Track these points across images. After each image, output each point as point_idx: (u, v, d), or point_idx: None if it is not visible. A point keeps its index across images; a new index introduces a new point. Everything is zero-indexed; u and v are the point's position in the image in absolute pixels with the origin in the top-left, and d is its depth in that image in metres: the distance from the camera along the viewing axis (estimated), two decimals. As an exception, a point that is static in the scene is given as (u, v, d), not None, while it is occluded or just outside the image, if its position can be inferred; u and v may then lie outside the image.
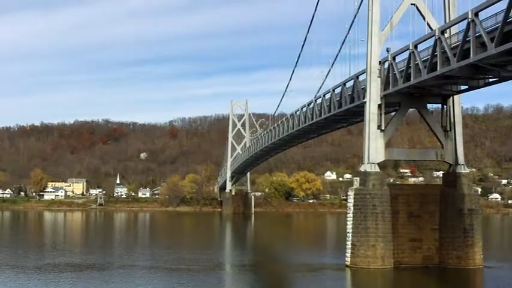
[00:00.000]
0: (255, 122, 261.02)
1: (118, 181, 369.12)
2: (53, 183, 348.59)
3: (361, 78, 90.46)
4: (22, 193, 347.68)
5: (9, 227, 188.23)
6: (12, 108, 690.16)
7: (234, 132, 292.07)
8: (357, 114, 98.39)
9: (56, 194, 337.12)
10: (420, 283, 76.85)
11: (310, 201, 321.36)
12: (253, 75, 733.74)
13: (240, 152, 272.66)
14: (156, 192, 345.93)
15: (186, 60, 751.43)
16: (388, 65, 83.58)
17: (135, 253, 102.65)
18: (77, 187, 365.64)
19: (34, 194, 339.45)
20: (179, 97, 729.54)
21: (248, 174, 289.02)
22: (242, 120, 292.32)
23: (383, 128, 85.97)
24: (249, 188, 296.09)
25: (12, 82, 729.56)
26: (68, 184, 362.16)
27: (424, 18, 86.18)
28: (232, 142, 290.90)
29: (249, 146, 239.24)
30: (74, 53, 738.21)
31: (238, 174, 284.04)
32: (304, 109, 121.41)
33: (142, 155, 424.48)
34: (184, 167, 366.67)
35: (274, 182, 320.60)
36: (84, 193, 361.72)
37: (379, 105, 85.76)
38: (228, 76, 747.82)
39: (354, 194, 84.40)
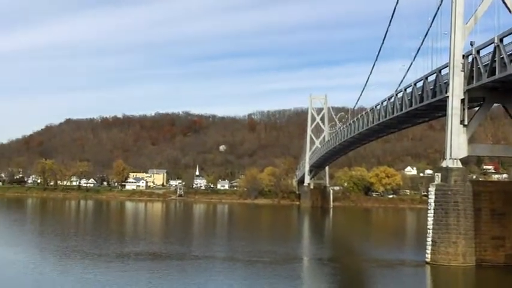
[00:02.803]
0: (334, 116, 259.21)
1: (197, 173, 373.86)
2: (134, 173, 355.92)
3: (443, 72, 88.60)
4: (105, 183, 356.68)
5: (92, 216, 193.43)
6: (96, 100, 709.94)
7: (313, 126, 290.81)
8: (439, 109, 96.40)
9: (137, 184, 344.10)
10: (503, 282, 74.70)
11: (390, 196, 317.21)
12: (333, 69, 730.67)
13: (319, 146, 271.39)
14: (234, 184, 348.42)
15: (265, 54, 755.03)
16: (472, 59, 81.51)
17: (214, 244, 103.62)
18: (157, 178, 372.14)
19: (116, 184, 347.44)
20: (258, 91, 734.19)
21: (327, 168, 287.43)
22: (321, 114, 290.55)
23: (466, 123, 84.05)
24: (327, 182, 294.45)
25: (96, 75, 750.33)
26: (149, 175, 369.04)
27: (510, 11, 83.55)
28: (311, 136, 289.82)
29: (328, 140, 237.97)
30: (156, 47, 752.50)
31: (316, 168, 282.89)
32: (385, 103, 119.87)
33: (222, 148, 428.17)
34: (262, 160, 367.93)
35: (353, 176, 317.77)
36: (164, 184, 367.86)
37: (462, 100, 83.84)
38: (308, 70, 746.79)
39: (435, 190, 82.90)
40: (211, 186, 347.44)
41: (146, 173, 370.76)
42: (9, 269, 68.82)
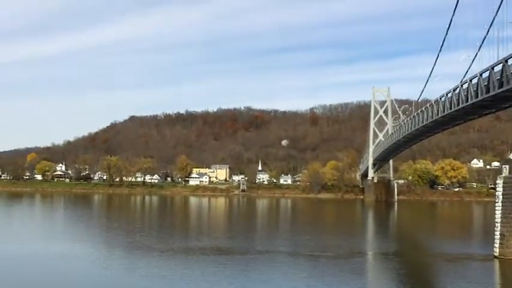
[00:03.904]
0: (397, 109, 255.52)
1: (260, 167, 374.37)
2: (198, 169, 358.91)
3: (510, 62, 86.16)
4: (169, 179, 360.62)
5: (157, 211, 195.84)
6: (159, 97, 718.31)
7: (376, 119, 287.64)
8: (506, 100, 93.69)
9: (201, 179, 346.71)
10: None
11: (456, 189, 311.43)
12: (396, 61, 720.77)
13: (382, 139, 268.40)
14: (297, 178, 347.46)
15: (327, 47, 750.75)
16: (541, 47, 79.14)
17: (277, 239, 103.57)
18: (220, 173, 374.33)
19: (180, 179, 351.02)
20: (320, 84, 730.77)
21: (391, 161, 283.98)
22: (384, 107, 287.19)
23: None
24: (391, 175, 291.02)
25: (159, 72, 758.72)
26: (212, 170, 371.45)
27: None
28: (374, 129, 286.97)
29: (392, 133, 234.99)
30: (218, 42, 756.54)
31: (380, 162, 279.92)
32: (450, 94, 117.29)
33: (284, 142, 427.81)
34: (325, 153, 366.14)
35: (418, 169, 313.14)
36: (227, 179, 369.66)
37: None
38: (370, 62, 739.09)
39: (503, 183, 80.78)
40: (274, 181, 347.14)
41: (209, 168, 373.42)
42: (77, 264, 70.15)
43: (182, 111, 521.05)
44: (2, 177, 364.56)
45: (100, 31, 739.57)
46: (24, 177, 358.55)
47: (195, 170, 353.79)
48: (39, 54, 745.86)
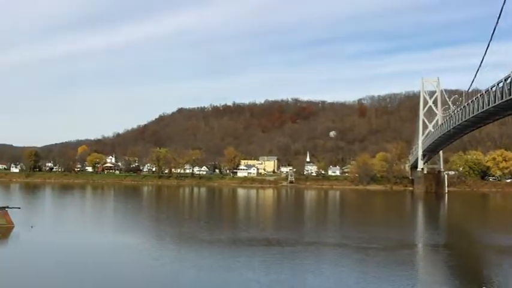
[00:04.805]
0: (447, 99, 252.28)
1: (308, 159, 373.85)
2: (245, 160, 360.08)
3: None
4: (217, 170, 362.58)
5: (205, 202, 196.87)
6: (206, 89, 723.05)
7: (425, 110, 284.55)
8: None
9: (249, 171, 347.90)
10: None
11: (508, 180, 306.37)
12: (445, 51, 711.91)
13: (432, 130, 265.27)
14: (345, 170, 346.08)
15: (375, 37, 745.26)
16: None
17: (325, 230, 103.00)
18: (268, 165, 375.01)
19: (228, 171, 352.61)
20: (368, 75, 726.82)
21: (441, 152, 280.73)
22: (434, 97, 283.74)
23: None
24: (441, 166, 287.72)
25: (206, 64, 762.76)
26: (260, 162, 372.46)
27: None
28: (423, 120, 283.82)
29: (441, 124, 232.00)
30: (264, 34, 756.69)
31: (430, 153, 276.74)
32: (501, 84, 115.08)
33: (332, 134, 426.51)
34: (373, 145, 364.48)
35: (469, 160, 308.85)
36: (275, 171, 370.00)
37: None
38: (419, 52, 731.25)
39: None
40: (322, 172, 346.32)
41: (257, 160, 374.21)
42: (125, 255, 70.76)
43: (230, 103, 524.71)
44: (54, 169, 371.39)
45: (148, 25, 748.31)
46: (75, 169, 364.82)
47: (243, 161, 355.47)
48: (90, 48, 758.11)
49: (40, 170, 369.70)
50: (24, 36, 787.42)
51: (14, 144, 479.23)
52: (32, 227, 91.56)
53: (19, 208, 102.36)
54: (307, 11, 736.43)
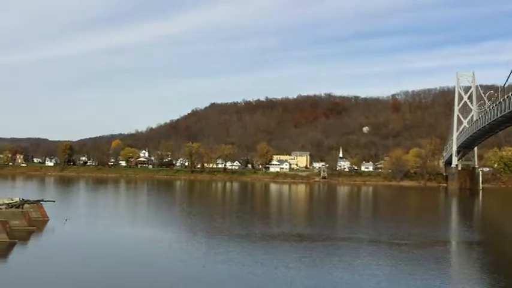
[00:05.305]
0: (482, 95, 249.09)
1: (341, 155, 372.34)
2: (278, 156, 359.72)
3: None
4: (249, 165, 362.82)
5: (237, 197, 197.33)
6: (239, 84, 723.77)
7: (460, 105, 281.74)
8: None
9: (281, 166, 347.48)
10: None
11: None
12: (481, 46, 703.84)
13: (467, 126, 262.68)
14: (378, 166, 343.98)
15: (408, 32, 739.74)
16: None
17: (358, 226, 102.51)
18: (300, 160, 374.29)
19: (260, 166, 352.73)
20: (401, 70, 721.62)
21: (475, 148, 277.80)
22: (469, 93, 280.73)
23: None
24: (476, 163, 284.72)
25: (239, 59, 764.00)
26: (292, 157, 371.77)
27: None
28: (458, 115, 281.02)
29: (477, 120, 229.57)
30: (296, 29, 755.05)
31: (464, 149, 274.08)
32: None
33: (365, 129, 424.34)
34: (407, 141, 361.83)
35: (504, 157, 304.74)
36: (308, 166, 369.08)
37: None
38: (453, 47, 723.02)
39: None
40: (355, 168, 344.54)
41: (289, 155, 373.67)
42: (157, 248, 71.11)
43: (262, 98, 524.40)
44: (88, 164, 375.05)
45: (181, 20, 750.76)
46: (109, 163, 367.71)
47: (275, 157, 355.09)
48: (124, 43, 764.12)
49: (74, 164, 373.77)
50: (60, 31, 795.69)
51: (49, 139, 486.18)
52: (66, 220, 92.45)
53: (54, 201, 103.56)
54: (340, 5, 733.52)
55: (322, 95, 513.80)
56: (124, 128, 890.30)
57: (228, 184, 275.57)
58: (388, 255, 70.08)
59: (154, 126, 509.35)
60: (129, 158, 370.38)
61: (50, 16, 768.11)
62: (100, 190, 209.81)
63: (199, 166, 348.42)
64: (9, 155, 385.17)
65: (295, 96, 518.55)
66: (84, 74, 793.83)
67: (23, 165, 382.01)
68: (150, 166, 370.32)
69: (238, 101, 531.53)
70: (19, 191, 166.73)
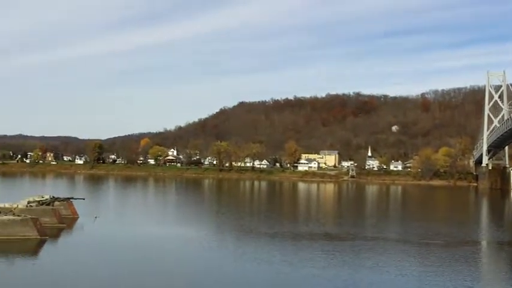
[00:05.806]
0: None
1: (369, 153, 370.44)
2: (306, 154, 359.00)
3: None
4: (277, 164, 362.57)
5: (265, 196, 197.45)
6: (267, 83, 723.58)
7: (490, 104, 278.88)
8: None
9: (309, 165, 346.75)
10: None
11: None
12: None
13: (498, 125, 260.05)
14: (407, 165, 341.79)
15: (438, 30, 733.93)
16: None
17: (386, 225, 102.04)
18: (329, 159, 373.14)
19: (288, 165, 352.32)
20: (431, 69, 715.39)
21: (506, 148, 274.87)
22: (499, 92, 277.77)
23: None
24: (507, 162, 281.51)
25: (268, 58, 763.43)
26: (321, 156, 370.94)
27: None
28: (488, 114, 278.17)
29: (508, 119, 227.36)
30: (324, 27, 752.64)
31: (495, 148, 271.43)
32: None
33: (394, 128, 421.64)
34: (437, 140, 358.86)
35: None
36: (336, 165, 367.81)
37: None
38: (484, 46, 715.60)
39: None
40: (384, 167, 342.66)
41: (318, 154, 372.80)
42: (186, 246, 71.38)
43: (290, 97, 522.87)
44: (117, 162, 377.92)
45: (210, 19, 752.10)
46: (138, 161, 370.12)
47: (303, 155, 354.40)
48: (153, 43, 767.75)
49: (104, 162, 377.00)
50: (92, 30, 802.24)
51: (78, 137, 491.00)
52: (96, 217, 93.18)
53: (83, 199, 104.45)
54: (369, 3, 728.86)
55: (351, 93, 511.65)
56: (153, 126, 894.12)
57: (256, 183, 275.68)
58: (417, 255, 69.61)
59: (183, 124, 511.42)
60: (158, 156, 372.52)
61: (87, 15, 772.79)
62: (129, 188, 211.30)
63: (227, 165, 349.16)
64: (40, 153, 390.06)
65: (323, 95, 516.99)
66: (115, 72, 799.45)
67: (53, 163, 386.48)
68: (179, 164, 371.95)
69: (267, 100, 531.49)
70: (49, 188, 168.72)
